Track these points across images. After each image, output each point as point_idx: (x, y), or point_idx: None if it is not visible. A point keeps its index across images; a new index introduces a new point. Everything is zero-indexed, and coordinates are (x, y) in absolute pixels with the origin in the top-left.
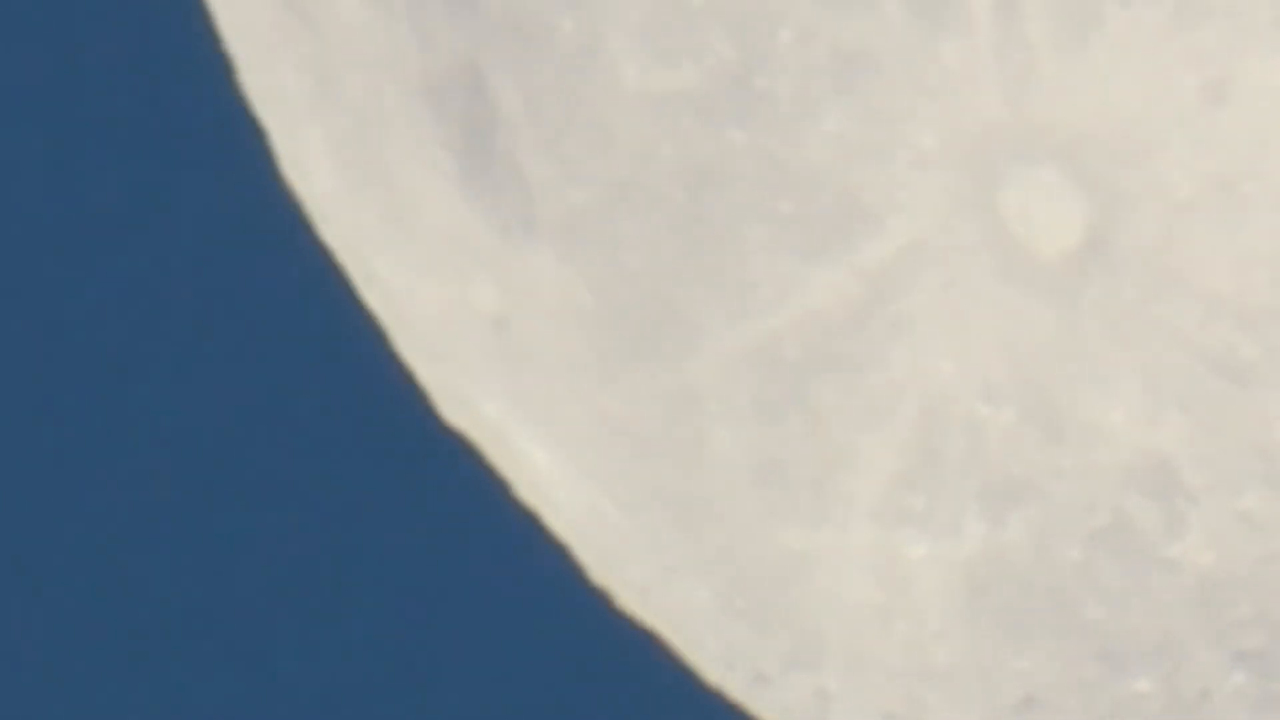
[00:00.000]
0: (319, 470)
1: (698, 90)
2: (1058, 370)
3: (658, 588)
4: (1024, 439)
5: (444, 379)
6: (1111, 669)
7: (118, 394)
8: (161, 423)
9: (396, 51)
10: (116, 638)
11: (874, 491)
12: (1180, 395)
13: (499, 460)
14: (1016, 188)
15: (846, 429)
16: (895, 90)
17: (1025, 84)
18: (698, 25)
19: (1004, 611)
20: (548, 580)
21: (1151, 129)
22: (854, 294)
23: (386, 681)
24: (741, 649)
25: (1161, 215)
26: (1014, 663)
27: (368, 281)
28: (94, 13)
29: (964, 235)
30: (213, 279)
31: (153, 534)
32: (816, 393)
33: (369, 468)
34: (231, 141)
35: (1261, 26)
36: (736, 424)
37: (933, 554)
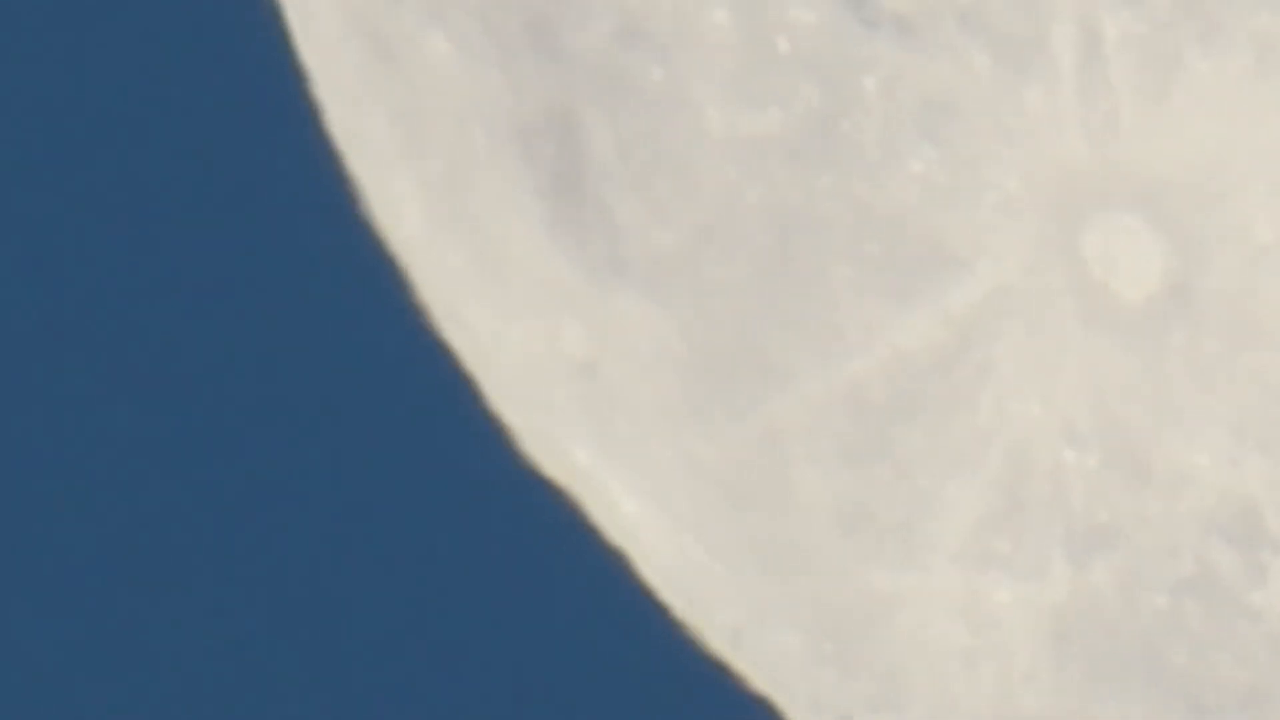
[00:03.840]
0: (405, 514)
1: (784, 135)
2: (1142, 415)
3: (746, 632)
4: (1109, 484)
5: (532, 423)
6: (1199, 719)
7: (202, 433)
8: (246, 463)
9: (487, 97)
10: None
11: (960, 535)
12: (1263, 438)
13: (588, 504)
14: (1100, 232)
15: (933, 473)
16: (980, 135)
17: (1109, 130)
18: (784, 71)
19: (1090, 657)
20: (634, 623)
21: (1232, 174)
22: (940, 338)
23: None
24: (829, 692)
25: (1242, 259)
26: (1101, 710)
27: (455, 326)
28: (183, 57)
29: (1049, 280)
30: (299, 323)
31: (237, 569)
32: (903, 437)
33: (455, 513)
34: (318, 186)
35: None
36: (823, 468)
37: (1018, 598)
